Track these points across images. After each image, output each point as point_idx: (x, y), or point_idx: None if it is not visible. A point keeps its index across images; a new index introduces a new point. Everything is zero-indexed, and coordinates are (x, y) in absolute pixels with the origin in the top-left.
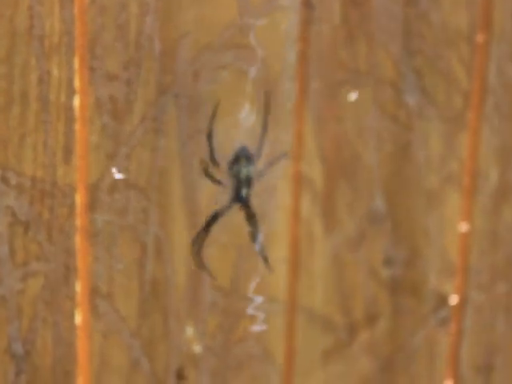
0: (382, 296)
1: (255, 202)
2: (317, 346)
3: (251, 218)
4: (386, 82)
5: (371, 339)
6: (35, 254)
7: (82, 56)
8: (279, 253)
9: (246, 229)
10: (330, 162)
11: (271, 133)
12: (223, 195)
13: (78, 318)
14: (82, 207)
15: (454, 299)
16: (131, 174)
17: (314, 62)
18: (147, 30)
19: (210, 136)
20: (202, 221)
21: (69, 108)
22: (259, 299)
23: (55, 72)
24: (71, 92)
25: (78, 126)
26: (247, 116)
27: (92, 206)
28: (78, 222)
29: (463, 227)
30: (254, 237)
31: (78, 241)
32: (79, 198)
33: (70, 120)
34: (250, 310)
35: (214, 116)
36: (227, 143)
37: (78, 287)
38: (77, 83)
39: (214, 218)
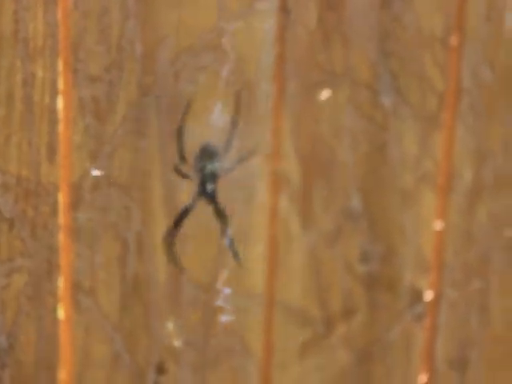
0: (359, 291)
1: (224, 198)
2: (294, 339)
3: (219, 213)
4: (361, 83)
5: (348, 333)
6: (19, 251)
7: (66, 58)
8: (256, 248)
9: (215, 223)
10: (307, 161)
11: (244, 131)
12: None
13: (61, 313)
14: (65, 205)
15: (428, 295)
16: (113, 172)
17: (291, 64)
18: (128, 34)
19: (179, 133)
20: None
21: (52, 109)
22: (227, 291)
23: (39, 74)
24: (55, 93)
25: (61, 126)
26: (219, 115)
27: (75, 204)
28: (61, 219)
29: (438, 225)
30: (222, 231)
31: (61, 238)
32: (62, 197)
33: (53, 120)
34: (218, 302)
35: (185, 114)
36: (197, 141)
37: (61, 283)
38: (60, 85)
39: (183, 213)
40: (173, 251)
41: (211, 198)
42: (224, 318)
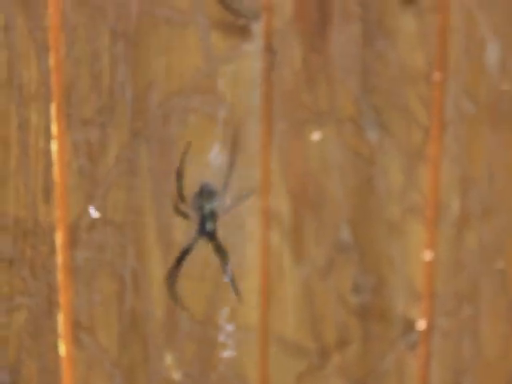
0: (352, 322)
1: (223, 236)
2: (290, 370)
3: (219, 250)
4: (347, 119)
5: (343, 363)
6: (19, 289)
7: (59, 103)
8: (251, 283)
9: (215, 261)
10: (297, 197)
11: (239, 170)
12: (192, 230)
13: (62, 350)
14: (63, 245)
15: (421, 324)
16: (108, 212)
17: (278, 104)
18: (119, 78)
19: (179, 173)
20: (175, 254)
21: (47, 152)
22: (230, 327)
23: (34, 119)
24: (49, 137)
25: (56, 169)
26: (216, 155)
27: (72, 243)
28: (59, 258)
29: (427, 255)
30: (223, 268)
31: (60, 276)
32: (60, 236)
33: (48, 163)
34: (221, 338)
35: (184, 155)
36: (195, 180)
37: (61, 320)
38: (54, 129)
39: (184, 252)
40: (174, 290)
41: (211, 236)
42: (225, 353)
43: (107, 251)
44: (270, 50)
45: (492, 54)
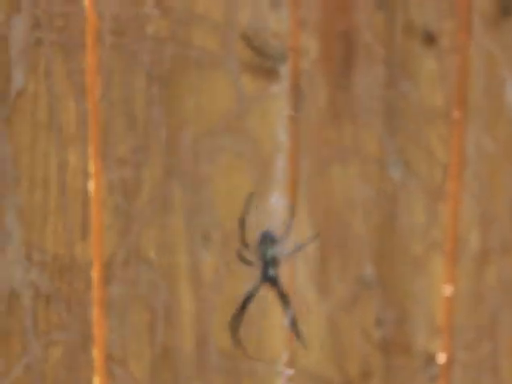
0: (375, 355)
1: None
2: None
3: (281, 295)
4: (371, 157)
5: None
6: (56, 325)
7: (96, 144)
8: (277, 319)
9: (276, 306)
10: (323, 233)
11: (299, 215)
12: (254, 275)
13: (96, 383)
14: (98, 281)
15: (441, 358)
16: (141, 248)
17: (305, 142)
18: (153, 119)
19: (242, 222)
20: (206, 290)
21: (84, 191)
22: (288, 372)
23: (72, 159)
24: (86, 177)
25: (93, 207)
26: (277, 200)
27: (107, 279)
28: (95, 294)
29: (447, 290)
30: (284, 312)
31: (95, 311)
32: (95, 273)
33: (85, 202)
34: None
35: (248, 205)
36: (255, 227)
37: (95, 354)
38: (91, 169)
39: (247, 298)
40: (238, 335)
41: (273, 281)
42: None
43: (140, 287)
44: (296, 90)
45: (510, 92)
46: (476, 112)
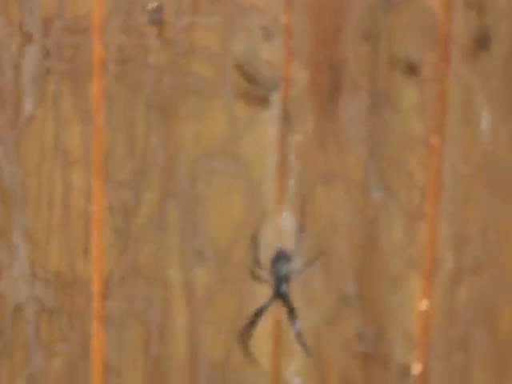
0: (355, 367)
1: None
2: None
3: (290, 310)
4: (354, 181)
5: None
6: (58, 337)
7: (98, 168)
8: (263, 330)
9: (284, 319)
10: (309, 251)
11: (308, 232)
12: (264, 291)
13: None
14: (98, 296)
15: (417, 369)
16: (138, 266)
17: (293, 166)
18: (152, 144)
19: (255, 240)
20: (199, 305)
21: (86, 212)
22: (297, 381)
23: (76, 182)
24: (88, 198)
25: (93, 227)
26: (288, 219)
27: (106, 295)
28: (94, 308)
29: (423, 305)
30: (291, 324)
31: (94, 325)
32: (95, 288)
33: (87, 222)
34: None
35: (259, 225)
36: (267, 245)
37: (93, 365)
38: (93, 191)
39: (258, 312)
40: (248, 347)
41: (284, 297)
42: None
43: (136, 302)
44: (285, 116)
45: (485, 120)
46: (453, 139)
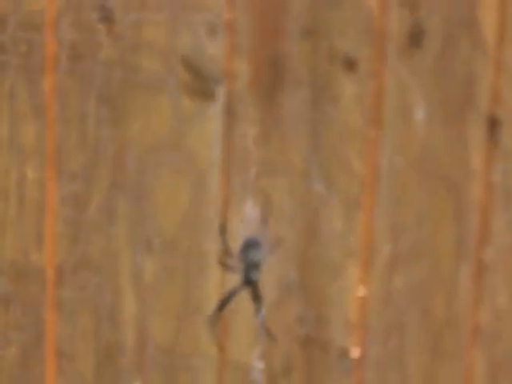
0: (297, 350)
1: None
2: None
3: (257, 297)
4: (297, 173)
5: None
6: (12, 325)
7: (51, 160)
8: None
9: (250, 305)
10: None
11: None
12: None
13: (48, 378)
14: (51, 285)
15: (355, 353)
16: (89, 255)
17: (237, 158)
18: (102, 137)
19: (223, 229)
20: (147, 293)
21: (40, 203)
22: (261, 365)
23: (30, 173)
24: (42, 190)
25: (46, 217)
26: (251, 210)
27: (59, 283)
28: (48, 296)
29: (361, 291)
30: (256, 312)
31: (48, 312)
32: (48, 277)
33: (41, 212)
34: (253, 375)
35: (225, 217)
36: (235, 234)
37: (47, 352)
38: (46, 182)
39: (227, 298)
40: (215, 332)
41: (254, 284)
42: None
43: (88, 290)
44: (229, 111)
45: (420, 114)
46: (389, 131)
